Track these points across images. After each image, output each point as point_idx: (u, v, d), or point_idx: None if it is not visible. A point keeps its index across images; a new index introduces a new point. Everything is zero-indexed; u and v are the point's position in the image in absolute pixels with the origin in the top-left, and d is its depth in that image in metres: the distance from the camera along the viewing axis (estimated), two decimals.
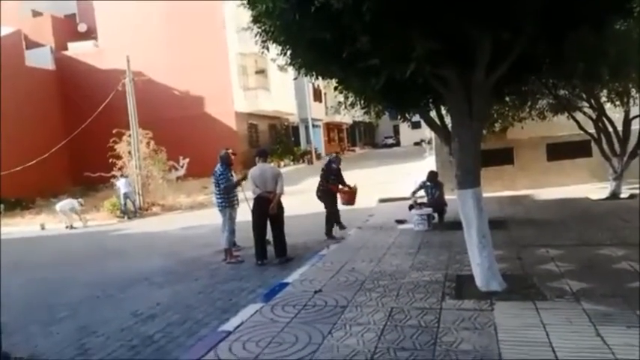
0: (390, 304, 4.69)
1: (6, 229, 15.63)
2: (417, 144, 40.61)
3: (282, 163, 26.31)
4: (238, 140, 24.71)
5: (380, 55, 3.89)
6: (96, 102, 19.32)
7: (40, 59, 25.89)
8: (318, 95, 38.20)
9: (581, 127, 11.15)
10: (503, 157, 13.54)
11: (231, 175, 7.67)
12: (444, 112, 6.86)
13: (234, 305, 5.41)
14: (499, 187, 12.56)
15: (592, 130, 11.18)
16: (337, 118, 40.18)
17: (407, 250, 6.97)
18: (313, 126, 35.33)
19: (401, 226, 8.75)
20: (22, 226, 16.10)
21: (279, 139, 31.63)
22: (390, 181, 14.62)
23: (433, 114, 6.94)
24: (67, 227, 14.82)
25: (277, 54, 5.33)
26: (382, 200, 12.80)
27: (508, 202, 11.30)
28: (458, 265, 5.83)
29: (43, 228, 15.51)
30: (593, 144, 11.73)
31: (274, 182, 7.19)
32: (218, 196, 7.61)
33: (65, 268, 8.93)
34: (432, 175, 9.33)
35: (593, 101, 10.60)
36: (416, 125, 30.89)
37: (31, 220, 16.83)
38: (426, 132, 26.28)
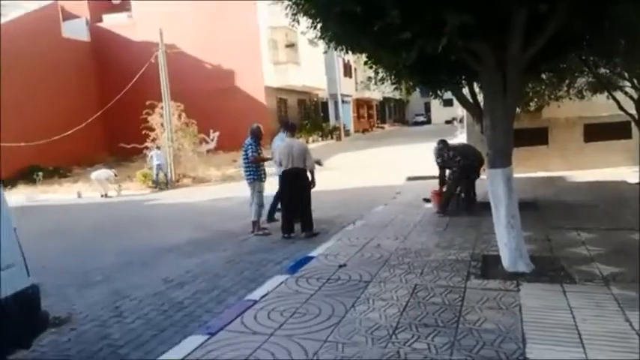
0: (413, 281, 4.71)
1: (45, 196, 16.32)
2: (448, 122, 39.82)
3: (310, 139, 26.30)
4: (267, 115, 24.79)
5: (411, 29, 3.80)
6: (130, 73, 19.62)
7: (76, 31, 26.37)
8: (348, 71, 37.78)
9: (621, 108, 10.69)
10: (538, 136, 13.17)
11: (260, 149, 7.73)
12: (477, 89, 6.70)
13: (260, 276, 5.54)
14: (532, 168, 12.25)
15: (633, 111, 10.71)
16: (367, 94, 39.79)
17: (434, 229, 6.94)
18: (342, 102, 35.04)
19: (429, 205, 8.69)
20: (60, 193, 16.72)
21: (308, 115, 31.57)
22: (419, 159, 14.47)
23: (465, 91, 6.79)
24: (101, 196, 15.33)
25: (307, 27, 5.28)
26: (410, 178, 12.70)
27: (540, 183, 11.04)
28: (485, 245, 5.78)
29: (79, 196, 16.09)
30: (633, 125, 11.25)
31: (301, 157, 7.22)
32: (246, 169, 7.70)
33: (100, 234, 9.28)
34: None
35: (635, 80, 10.12)
36: (448, 103, 30.22)
37: (69, 188, 17.45)
38: (458, 110, 25.74)
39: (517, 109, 7.02)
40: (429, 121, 51.75)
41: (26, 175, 19.03)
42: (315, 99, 33.62)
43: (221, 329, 3.86)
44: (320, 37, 5.37)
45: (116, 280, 5.91)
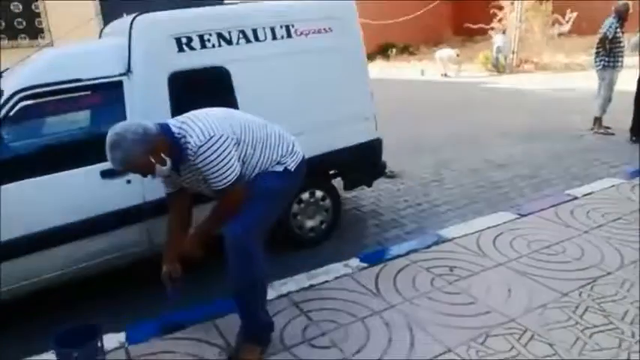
0: None
1: (394, 71, 18.42)
2: None
3: None
4: None
5: None
6: None
7: None
8: None
9: None
10: None
11: (620, 32, 6.42)
12: None
13: (588, 175, 5.09)
14: None
15: None
16: None
17: None
18: None
19: None
20: (407, 69, 18.50)
21: None
22: None
23: None
24: (442, 75, 16.17)
25: None
26: None
27: None
28: None
29: (422, 74, 17.42)
30: None
31: None
32: (598, 55, 6.64)
33: (435, 111, 10.06)
34: None
35: None
36: None
37: (414, 65, 19.05)
38: None
39: None
40: None
41: (382, 51, 21.71)
42: None
43: (532, 213, 3.91)
44: None
45: (443, 153, 6.50)
